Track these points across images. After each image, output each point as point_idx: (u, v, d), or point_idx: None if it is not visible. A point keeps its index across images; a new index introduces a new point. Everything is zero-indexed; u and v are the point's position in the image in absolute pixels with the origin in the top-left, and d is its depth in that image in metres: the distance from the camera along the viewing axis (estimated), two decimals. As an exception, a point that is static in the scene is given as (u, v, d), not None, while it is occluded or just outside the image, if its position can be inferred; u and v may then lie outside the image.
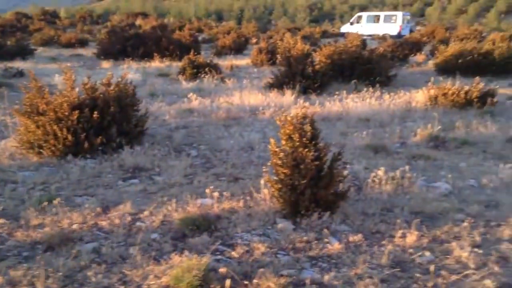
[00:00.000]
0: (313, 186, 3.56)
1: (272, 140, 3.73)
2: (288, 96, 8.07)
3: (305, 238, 3.29)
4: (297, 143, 3.57)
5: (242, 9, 55.04)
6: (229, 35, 19.33)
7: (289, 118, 3.65)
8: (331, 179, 3.61)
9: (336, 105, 7.62)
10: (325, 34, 29.40)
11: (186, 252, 2.94)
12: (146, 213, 3.59)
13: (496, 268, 2.95)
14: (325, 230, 3.37)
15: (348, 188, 3.82)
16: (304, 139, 3.57)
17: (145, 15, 43.41)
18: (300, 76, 8.76)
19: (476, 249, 3.16)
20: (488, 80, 10.13)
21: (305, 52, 9.50)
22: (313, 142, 3.62)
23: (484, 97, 7.67)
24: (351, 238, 3.34)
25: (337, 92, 8.50)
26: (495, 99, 7.73)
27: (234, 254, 3.02)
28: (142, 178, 4.43)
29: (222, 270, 2.75)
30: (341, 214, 3.71)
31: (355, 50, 9.89)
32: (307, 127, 3.62)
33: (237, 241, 3.22)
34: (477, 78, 8.18)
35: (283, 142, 3.64)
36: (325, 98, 8.31)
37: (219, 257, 2.99)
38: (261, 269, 2.79)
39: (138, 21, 33.78)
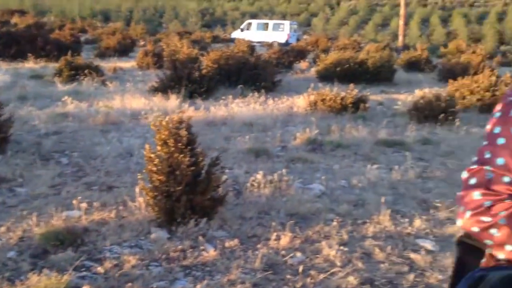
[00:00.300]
0: (190, 192, 3.49)
1: (147, 146, 3.60)
2: (173, 101, 7.93)
3: (180, 247, 3.21)
4: (173, 149, 3.48)
5: (131, 10, 53.36)
6: (114, 36, 18.54)
7: (164, 123, 3.55)
8: (208, 185, 3.58)
9: (221, 110, 7.65)
10: (216, 39, 29.61)
11: (46, 271, 2.70)
12: (2, 229, 3.23)
13: (360, 264, 3.13)
14: (200, 238, 3.31)
15: (226, 193, 3.81)
16: (180, 144, 3.49)
17: (23, 12, 40.07)
18: (186, 80, 8.66)
19: (342, 247, 3.34)
20: (362, 87, 10.89)
21: (192, 56, 9.42)
22: (189, 148, 3.55)
23: (358, 103, 8.23)
24: (227, 244, 3.33)
25: (223, 97, 8.54)
26: (367, 105, 8.33)
27: (100, 269, 2.83)
28: (1, 190, 4.00)
29: (86, 287, 2.56)
30: (219, 220, 3.70)
31: (241, 56, 10.05)
32: (183, 132, 3.55)
33: (106, 254, 3.03)
34: (352, 85, 8.76)
35: (158, 147, 3.53)
36: (211, 102, 8.31)
37: (84, 273, 2.78)
38: (130, 284, 2.65)
39: (14, 19, 31.05)
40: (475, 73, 10.98)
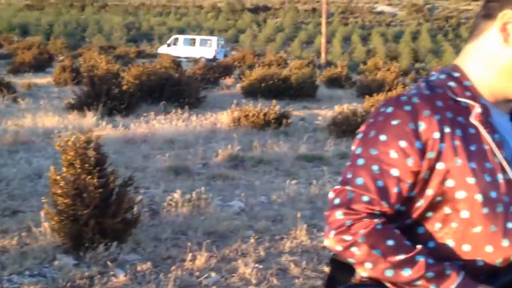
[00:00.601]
0: (99, 215, 3.32)
1: (52, 168, 3.39)
2: (90, 118, 7.61)
3: (87, 273, 3.03)
4: (79, 170, 3.30)
5: (52, 24, 51.14)
6: (29, 51, 17.60)
7: (70, 143, 3.37)
8: (119, 206, 3.43)
9: (142, 127, 7.46)
10: (141, 54, 29.07)
11: None
12: None
13: (275, 281, 3.12)
14: (109, 263, 3.15)
15: (139, 214, 3.68)
16: (87, 165, 3.32)
17: None
18: (105, 96, 8.37)
19: (258, 265, 3.31)
20: (286, 103, 11.14)
21: (112, 71, 9.14)
22: (98, 168, 3.39)
23: (280, 119, 8.38)
24: (139, 268, 3.20)
25: (145, 114, 8.34)
26: (289, 121, 8.50)
27: (-5, 302, 2.60)
28: None
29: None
30: (132, 243, 3.55)
31: (164, 71, 9.90)
32: (91, 152, 3.38)
33: (4, 285, 2.79)
34: (274, 101, 8.91)
35: (64, 169, 3.34)
36: (132, 120, 8.07)
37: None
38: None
39: None
40: (389, 89, 11.61)
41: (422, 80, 1.04)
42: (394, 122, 0.96)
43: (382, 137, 0.96)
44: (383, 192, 0.94)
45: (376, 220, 0.93)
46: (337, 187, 0.98)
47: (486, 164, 0.95)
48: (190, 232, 3.85)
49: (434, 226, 0.96)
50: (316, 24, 53.49)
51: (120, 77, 9.93)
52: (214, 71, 15.24)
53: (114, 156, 5.98)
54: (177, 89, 9.75)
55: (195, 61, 24.63)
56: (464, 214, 0.94)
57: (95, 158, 3.38)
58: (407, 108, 0.96)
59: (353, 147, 1.02)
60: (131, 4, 67.46)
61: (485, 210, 0.93)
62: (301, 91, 12.73)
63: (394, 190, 0.94)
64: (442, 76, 1.02)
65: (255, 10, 66.95)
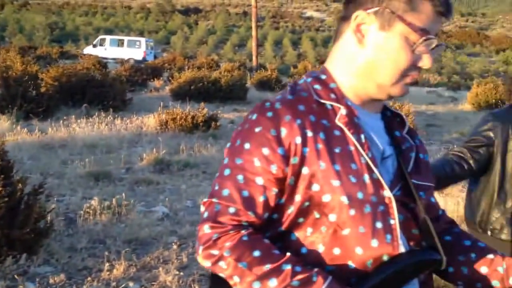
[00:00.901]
0: (5, 226, 3.09)
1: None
2: (3, 122, 7.11)
3: (-9, 289, 2.79)
4: (-18, 178, 3.04)
5: (-35, 22, 47.64)
6: None
7: (-30, 150, 3.10)
8: (27, 216, 3.20)
9: (61, 131, 7.08)
10: (65, 55, 27.74)
11: None
12: None
13: None
14: (17, 276, 2.93)
15: (52, 224, 3.46)
16: (-10, 173, 3.07)
17: None
18: (21, 99, 7.86)
19: (180, 271, 3.23)
20: (215, 106, 11.08)
21: (30, 73, 8.61)
22: (3, 176, 3.14)
23: (209, 122, 8.30)
24: (51, 280, 3.02)
25: (65, 117, 7.93)
26: (218, 123, 8.44)
27: None
28: None
29: None
30: (45, 254, 3.34)
31: (86, 73, 9.47)
32: (-5, 159, 3.13)
33: None
34: (202, 104, 8.82)
35: (-36, 178, 3.06)
36: (50, 123, 7.64)
37: None
38: None
39: None
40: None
41: (289, 84, 1.02)
42: (257, 130, 0.94)
43: (246, 146, 0.94)
44: (249, 202, 0.91)
45: (243, 232, 0.90)
46: (205, 200, 0.94)
47: (352, 165, 0.93)
48: (109, 240, 3.68)
49: (306, 231, 0.94)
50: (247, 27, 53.96)
51: (40, 78, 9.38)
52: (142, 73, 14.86)
53: (29, 162, 5.64)
54: (100, 91, 9.37)
55: (124, 62, 23.92)
56: (332, 217, 0.92)
57: (0, 165, 3.14)
58: (269, 114, 0.94)
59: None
60: (54, 3, 64.37)
61: (352, 212, 0.92)
62: (231, 93, 12.72)
63: (260, 199, 0.92)
64: (309, 79, 1.01)
65: (186, 12, 66.36)
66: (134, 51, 30.06)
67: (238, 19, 64.01)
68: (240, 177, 0.92)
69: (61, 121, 7.54)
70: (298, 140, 0.92)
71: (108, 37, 31.95)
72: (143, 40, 31.56)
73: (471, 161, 1.98)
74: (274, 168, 0.92)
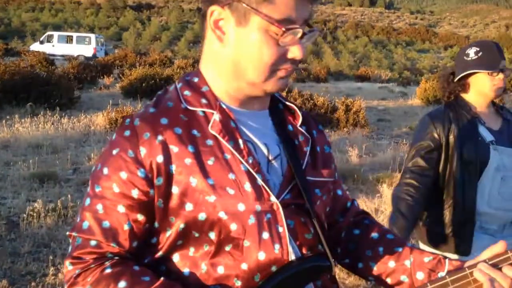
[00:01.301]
0: None
1: None
2: None
3: None
4: None
5: None
6: None
7: None
8: (-36, 222, 3.05)
9: (3, 132, 6.78)
10: (10, 52, 26.54)
11: None
12: None
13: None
14: (-48, 286, 2.79)
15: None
16: None
17: None
18: (-41, 98, 7.45)
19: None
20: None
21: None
22: None
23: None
24: (-9, 288, 2.88)
25: (8, 117, 7.60)
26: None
27: None
28: None
29: None
30: (-16, 260, 3.20)
31: (30, 70, 9.08)
32: None
33: None
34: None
35: None
36: (-8, 123, 7.31)
37: None
38: None
39: None
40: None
41: (158, 94, 0.93)
42: (114, 152, 0.85)
43: (105, 171, 0.85)
44: (110, 233, 0.84)
45: (106, 263, 0.84)
46: (68, 233, 0.89)
47: (229, 175, 0.85)
48: (54, 244, 3.58)
49: (189, 250, 0.87)
50: (201, 23, 53.48)
51: (-20, 77, 8.93)
52: (91, 70, 14.43)
53: (-32, 165, 5.37)
54: (45, 89, 9.02)
55: (73, 59, 23.18)
56: (212, 235, 0.84)
57: None
58: (127, 133, 0.85)
59: None
60: (-2, -3, 61.49)
61: (234, 227, 0.84)
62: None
63: (124, 227, 0.84)
64: (180, 85, 0.92)
65: (138, 7, 65.05)
66: (83, 47, 29.14)
67: (192, 15, 63.41)
68: (99, 207, 0.85)
69: (3, 121, 7.22)
70: (160, 158, 0.84)
71: (56, 33, 30.80)
72: (93, 36, 30.63)
73: (430, 172, 1.87)
74: (135, 193, 0.84)
